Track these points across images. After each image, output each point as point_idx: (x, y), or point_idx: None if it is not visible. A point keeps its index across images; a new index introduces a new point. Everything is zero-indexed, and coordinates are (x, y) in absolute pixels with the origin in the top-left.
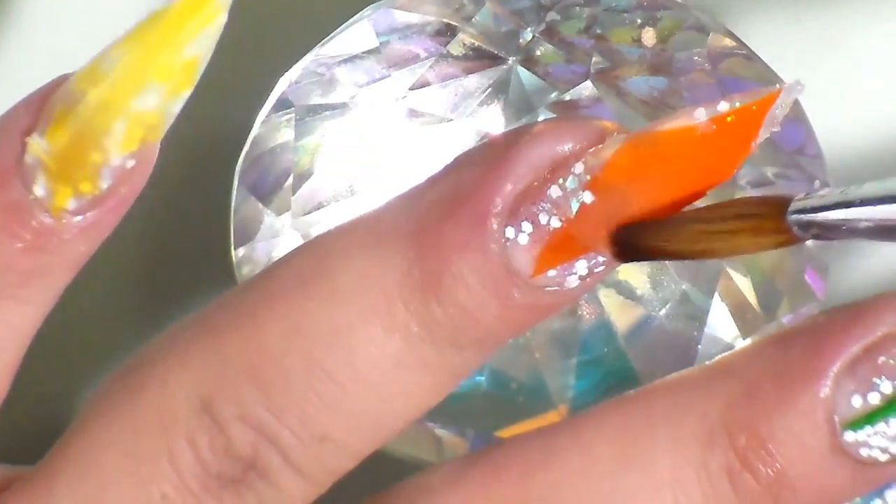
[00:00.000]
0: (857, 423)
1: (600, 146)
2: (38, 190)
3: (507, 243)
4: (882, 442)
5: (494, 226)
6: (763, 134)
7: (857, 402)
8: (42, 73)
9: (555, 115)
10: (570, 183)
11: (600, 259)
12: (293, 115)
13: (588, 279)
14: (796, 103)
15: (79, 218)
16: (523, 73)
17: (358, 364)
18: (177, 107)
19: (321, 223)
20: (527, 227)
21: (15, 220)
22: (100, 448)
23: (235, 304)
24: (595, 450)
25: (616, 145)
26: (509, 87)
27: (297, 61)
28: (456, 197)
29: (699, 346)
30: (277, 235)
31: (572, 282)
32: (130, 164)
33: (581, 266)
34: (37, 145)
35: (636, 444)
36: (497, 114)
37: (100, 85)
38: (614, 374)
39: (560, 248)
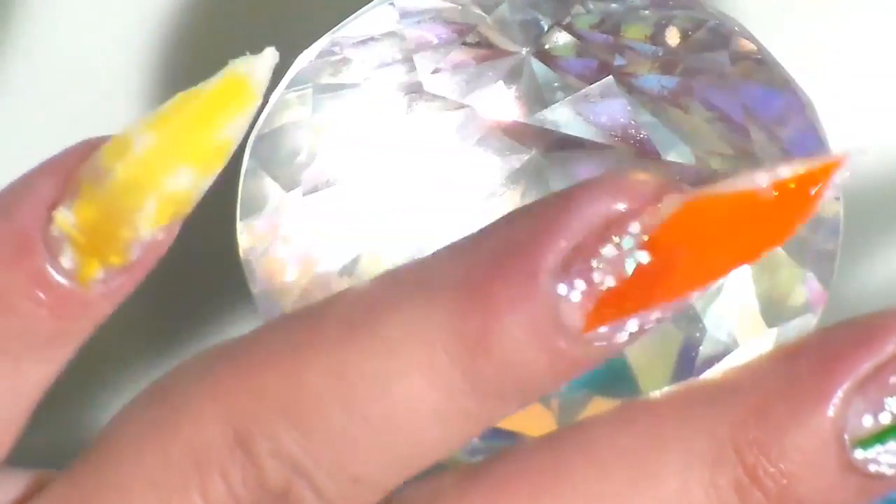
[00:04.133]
0: (868, 441)
1: (657, 206)
2: (66, 262)
3: (559, 300)
4: (891, 459)
5: (546, 282)
6: (825, 199)
7: (867, 421)
8: (39, 72)
9: (569, 111)
10: (626, 243)
11: (653, 317)
12: (307, 93)
13: (637, 334)
14: (812, 112)
15: (107, 284)
16: (536, 64)
17: (398, 414)
18: (208, 184)
19: (330, 201)
20: (579, 284)
21: (41, 289)
22: (131, 478)
23: (278, 341)
24: (605, 470)
25: (674, 206)
26: (522, 77)
27: (313, 43)
28: (507, 251)
29: (700, 348)
30: (285, 211)
31: (622, 337)
32: (160, 236)
33: (632, 323)
34: (64, 219)
35: (646, 465)
36: (509, 103)
37: (130, 162)
38: (608, 369)
39: (612, 306)
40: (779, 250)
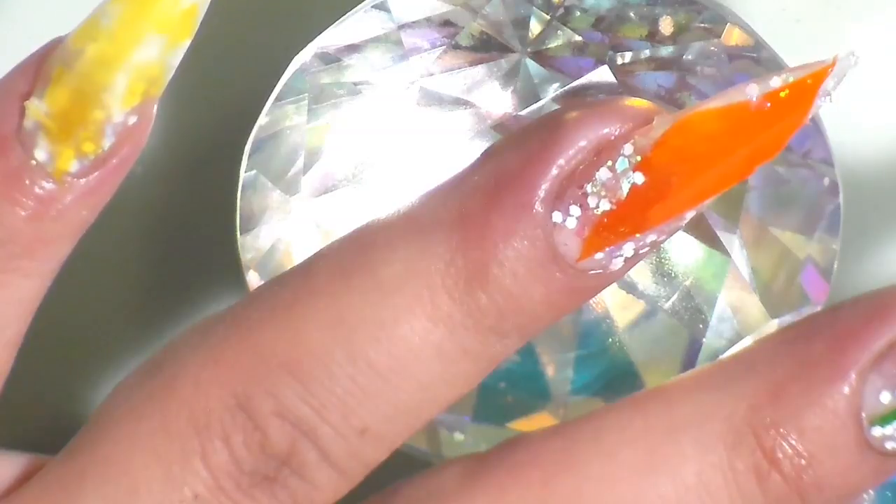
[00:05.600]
0: (886, 418)
1: (648, 126)
2: (40, 154)
3: (554, 228)
4: None
5: (541, 211)
6: (816, 107)
7: (885, 398)
8: None
9: (562, 106)
10: (620, 164)
11: (647, 240)
12: (301, 100)
13: (632, 260)
14: None
15: (82, 181)
16: (532, 64)
17: (402, 355)
18: (177, 58)
19: (331, 205)
20: (575, 210)
21: (16, 187)
22: (129, 449)
23: (271, 298)
24: (618, 455)
25: (667, 125)
26: (518, 77)
27: (304, 47)
28: (499, 183)
29: (703, 340)
30: (286, 218)
31: (617, 264)
32: (132, 120)
33: (628, 248)
34: (35, 108)
35: (660, 450)
36: (505, 103)
37: (98, 40)
38: (613, 368)
39: (609, 230)
40: (781, 243)
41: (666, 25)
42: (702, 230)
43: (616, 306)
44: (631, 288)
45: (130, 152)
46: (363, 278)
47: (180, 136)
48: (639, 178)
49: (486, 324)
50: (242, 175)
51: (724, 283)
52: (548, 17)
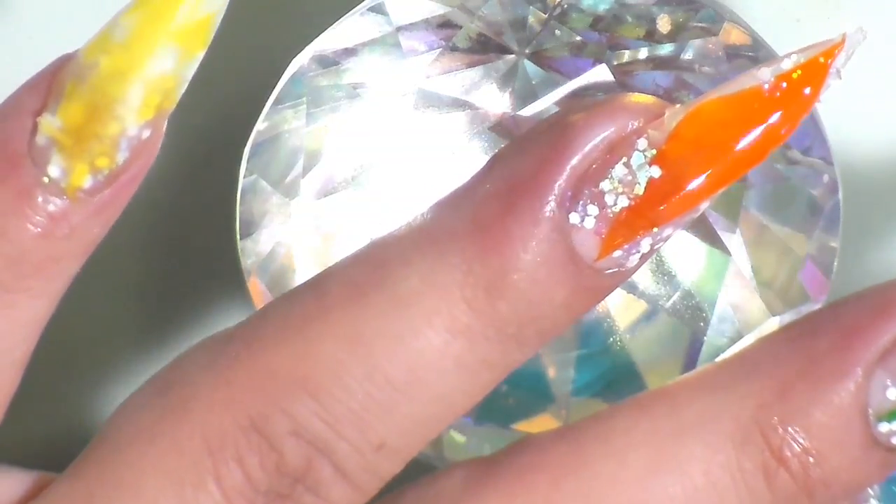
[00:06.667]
0: (893, 414)
1: (659, 120)
2: (53, 171)
3: (572, 230)
4: None
5: (557, 214)
6: (828, 86)
7: (891, 394)
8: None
9: (563, 107)
10: (636, 159)
11: (664, 233)
12: (299, 103)
13: (647, 255)
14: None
15: (94, 198)
16: (529, 65)
17: (420, 369)
18: (191, 70)
19: (331, 208)
20: (592, 210)
21: (28, 204)
22: (141, 471)
23: (282, 316)
24: (626, 456)
25: (679, 116)
26: (516, 78)
27: (302, 51)
28: (511, 188)
29: (705, 339)
30: (286, 222)
31: (633, 260)
32: (146, 133)
33: (645, 243)
34: (48, 124)
35: (668, 450)
36: (503, 104)
37: (112, 53)
38: (615, 368)
39: (626, 226)
40: (781, 241)
41: (664, 24)
42: (702, 229)
43: (617, 306)
44: (632, 288)
45: (142, 167)
46: (378, 293)
47: (178, 140)
48: (655, 171)
49: (507, 332)
50: (241, 179)
51: (725, 282)
52: (545, 18)
